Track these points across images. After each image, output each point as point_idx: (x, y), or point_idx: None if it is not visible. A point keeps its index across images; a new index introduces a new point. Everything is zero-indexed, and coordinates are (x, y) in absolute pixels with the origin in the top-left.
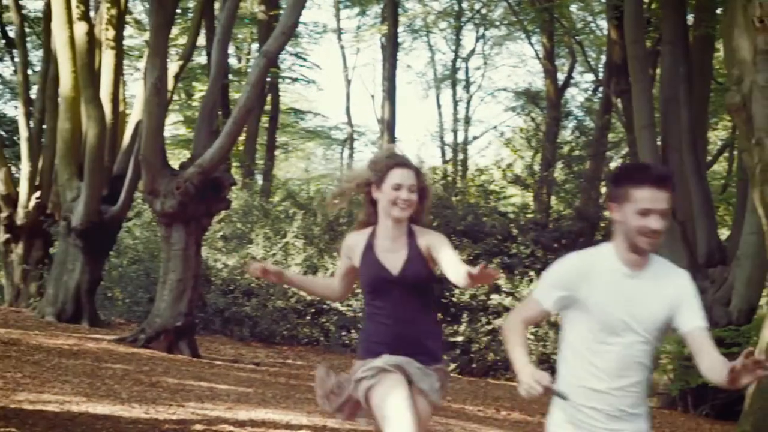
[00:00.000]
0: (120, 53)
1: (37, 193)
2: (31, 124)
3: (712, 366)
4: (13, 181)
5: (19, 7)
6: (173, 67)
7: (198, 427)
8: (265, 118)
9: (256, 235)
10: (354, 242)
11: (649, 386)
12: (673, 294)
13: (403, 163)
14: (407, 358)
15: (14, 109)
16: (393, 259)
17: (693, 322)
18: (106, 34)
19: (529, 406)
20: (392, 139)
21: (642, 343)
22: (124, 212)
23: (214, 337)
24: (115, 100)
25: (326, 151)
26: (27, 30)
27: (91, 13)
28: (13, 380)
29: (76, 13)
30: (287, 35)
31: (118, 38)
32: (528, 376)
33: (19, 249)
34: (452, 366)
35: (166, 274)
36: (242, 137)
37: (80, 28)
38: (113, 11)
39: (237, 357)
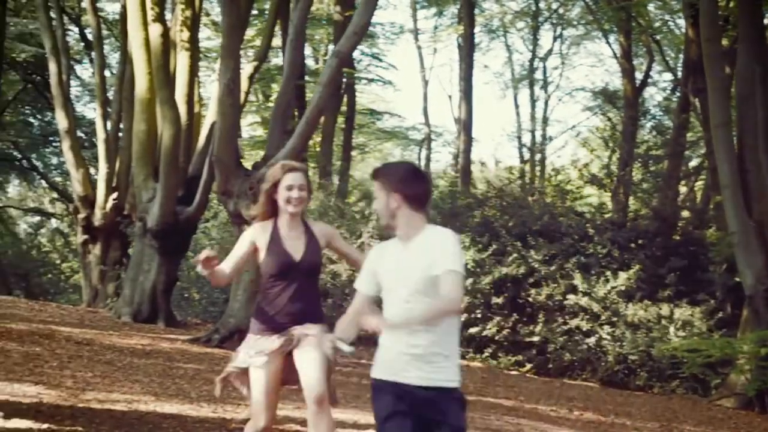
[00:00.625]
0: (195, 54)
1: (115, 195)
2: (109, 125)
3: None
4: (91, 183)
5: (96, 10)
6: (248, 68)
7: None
8: (341, 119)
9: None
10: (260, 232)
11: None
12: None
13: (292, 167)
14: (300, 326)
15: (93, 111)
16: (295, 247)
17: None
18: (180, 35)
19: (603, 406)
20: (469, 139)
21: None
22: (200, 213)
23: None
24: (190, 101)
25: (404, 151)
26: (105, 32)
27: (168, 15)
28: (83, 380)
29: (150, 14)
30: (359, 35)
31: (193, 40)
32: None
33: (96, 250)
34: (528, 366)
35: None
36: (319, 138)
37: (155, 30)
38: (188, 13)
39: None
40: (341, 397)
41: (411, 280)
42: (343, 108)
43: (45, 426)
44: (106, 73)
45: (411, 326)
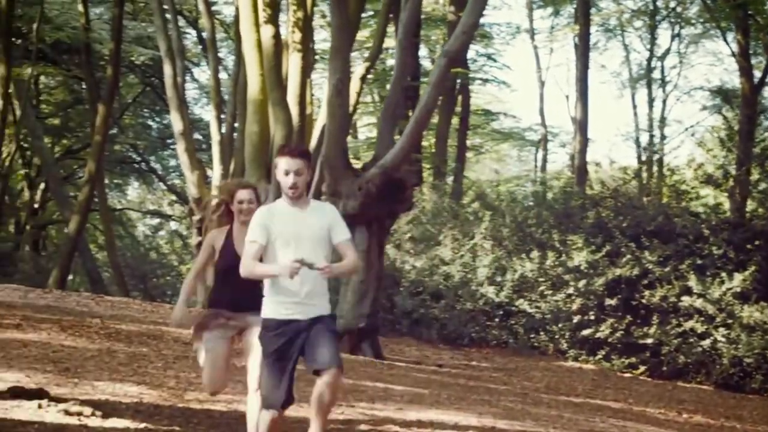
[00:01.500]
0: (307, 56)
1: None
2: (224, 127)
3: (341, 263)
4: (206, 185)
5: (210, 12)
6: (360, 69)
7: (364, 427)
8: (456, 120)
9: (444, 237)
10: (216, 237)
11: None
12: (329, 217)
13: (244, 185)
14: (244, 312)
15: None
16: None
17: (341, 235)
18: (293, 36)
19: (714, 409)
20: (584, 139)
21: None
22: None
23: (402, 339)
24: (302, 102)
25: (520, 152)
26: (222, 35)
27: (283, 17)
28: (186, 380)
29: (263, 16)
30: (468, 35)
31: (305, 41)
32: (283, 264)
33: None
34: (641, 368)
35: None
36: (433, 139)
37: (267, 31)
38: (300, 14)
39: (420, 359)
40: (446, 398)
41: (312, 237)
42: (458, 109)
43: (142, 425)
44: (224, 75)
45: (334, 274)
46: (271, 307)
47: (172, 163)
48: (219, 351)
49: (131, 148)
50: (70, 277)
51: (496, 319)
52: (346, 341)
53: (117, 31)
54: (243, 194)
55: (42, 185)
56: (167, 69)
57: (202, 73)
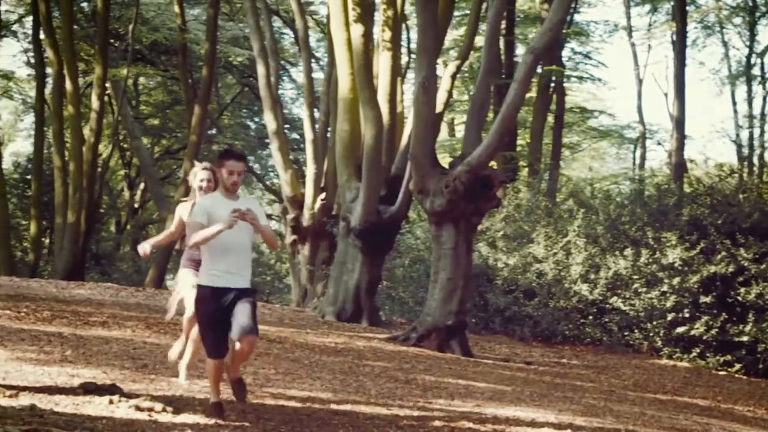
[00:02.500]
0: (397, 54)
1: (323, 195)
2: (317, 126)
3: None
4: (300, 183)
5: (303, 12)
6: (451, 67)
7: (437, 423)
8: (551, 118)
9: (537, 234)
10: (183, 209)
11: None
12: (254, 208)
13: (205, 167)
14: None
15: None
16: None
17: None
18: (383, 35)
19: None
20: (681, 137)
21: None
22: (403, 212)
23: (495, 337)
24: (392, 100)
25: (618, 150)
26: (320, 35)
27: (377, 16)
28: (264, 376)
29: (352, 15)
30: (554, 32)
31: (395, 39)
32: (224, 220)
33: (305, 250)
34: (737, 366)
35: (436, 273)
36: (528, 136)
37: (357, 30)
38: (390, 12)
39: (509, 356)
40: (528, 395)
41: (242, 224)
42: (553, 107)
43: (212, 421)
44: (321, 74)
45: (261, 228)
46: (208, 277)
47: (271, 162)
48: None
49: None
50: (169, 276)
51: (590, 317)
52: (434, 339)
53: (212, 31)
54: (200, 175)
55: (141, 185)
56: (260, 69)
57: (300, 73)
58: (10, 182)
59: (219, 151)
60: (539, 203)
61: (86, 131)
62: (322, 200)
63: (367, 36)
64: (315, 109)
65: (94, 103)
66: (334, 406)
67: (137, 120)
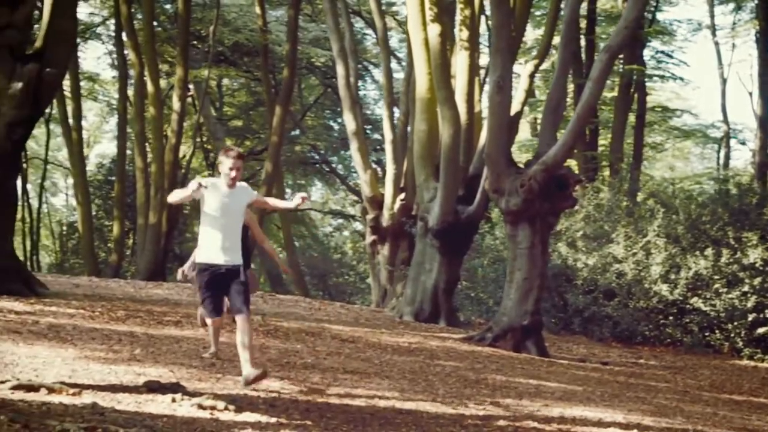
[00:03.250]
0: (474, 54)
1: (402, 195)
2: (397, 126)
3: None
4: (379, 184)
5: (381, 12)
6: (529, 66)
7: (501, 422)
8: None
9: (617, 234)
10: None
11: None
12: (247, 195)
13: (234, 155)
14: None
15: None
16: None
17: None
18: (460, 34)
19: None
20: (765, 136)
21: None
22: (480, 212)
23: (574, 337)
24: (469, 100)
25: (702, 149)
26: (402, 35)
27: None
28: (332, 376)
29: (429, 14)
30: (630, 29)
31: (472, 39)
32: (189, 186)
33: (385, 250)
34: None
35: (512, 272)
36: (609, 136)
37: (434, 30)
38: (467, 12)
39: (586, 356)
40: (599, 395)
41: (234, 208)
42: (635, 106)
43: (274, 420)
44: (401, 74)
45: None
46: (203, 254)
47: (354, 163)
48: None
49: (312, 148)
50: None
51: (670, 317)
52: (510, 339)
53: (293, 32)
54: (230, 162)
55: None
56: (340, 69)
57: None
58: (94, 184)
59: (303, 151)
60: (620, 203)
61: (168, 132)
62: (401, 200)
63: (445, 35)
64: (395, 110)
65: (175, 104)
66: (398, 405)
67: (220, 121)
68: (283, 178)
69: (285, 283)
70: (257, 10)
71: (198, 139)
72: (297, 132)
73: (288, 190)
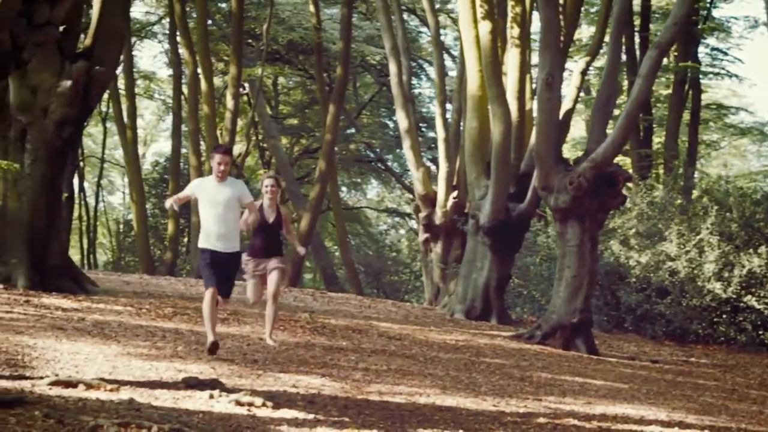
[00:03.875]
0: (525, 51)
1: (455, 193)
2: (450, 124)
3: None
4: (432, 182)
5: (434, 9)
6: (581, 63)
7: (541, 420)
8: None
9: (670, 232)
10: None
11: None
12: (238, 189)
13: (269, 176)
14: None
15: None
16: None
17: (246, 199)
18: (511, 32)
19: None
20: None
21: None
22: (532, 210)
23: (626, 335)
24: (521, 97)
25: (759, 147)
26: (450, 32)
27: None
28: (375, 372)
29: (480, 12)
30: (679, 26)
31: (523, 36)
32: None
33: (437, 248)
34: None
35: (561, 270)
36: (664, 134)
37: (484, 27)
38: (518, 9)
39: (636, 354)
40: (645, 393)
41: (224, 201)
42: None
43: (311, 416)
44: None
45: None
46: (202, 240)
47: None
48: (254, 275)
49: (367, 147)
50: (310, 275)
51: (723, 316)
52: (559, 337)
53: (346, 30)
54: (266, 182)
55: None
56: (392, 67)
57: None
58: (149, 182)
59: (358, 150)
60: (673, 200)
61: (222, 131)
62: (454, 198)
63: (495, 33)
64: (448, 107)
65: (229, 102)
66: (438, 402)
67: (276, 119)
68: (338, 176)
69: (339, 281)
70: (311, 8)
71: (254, 138)
72: (352, 130)
73: (344, 188)
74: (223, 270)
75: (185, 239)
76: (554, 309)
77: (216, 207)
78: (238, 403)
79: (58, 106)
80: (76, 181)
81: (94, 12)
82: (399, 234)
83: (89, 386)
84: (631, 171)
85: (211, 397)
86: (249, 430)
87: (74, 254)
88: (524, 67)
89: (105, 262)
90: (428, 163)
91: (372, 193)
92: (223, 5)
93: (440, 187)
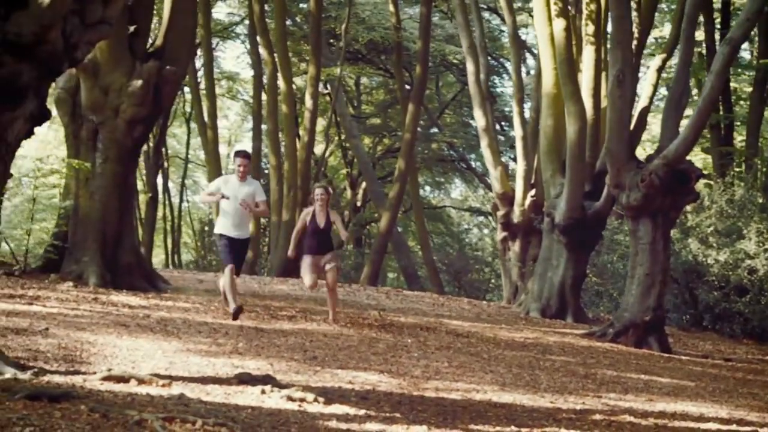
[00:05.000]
0: (600, 48)
1: (533, 191)
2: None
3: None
4: (510, 180)
5: (511, 7)
6: (657, 60)
7: (597, 416)
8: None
9: (749, 231)
10: (307, 214)
11: None
12: (255, 188)
13: (318, 186)
14: (323, 253)
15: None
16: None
17: (259, 197)
18: (586, 29)
19: None
20: None
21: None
22: (608, 208)
23: (704, 334)
24: (596, 95)
25: None
26: (531, 31)
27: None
28: (435, 369)
29: (554, 9)
30: (752, 21)
31: (598, 33)
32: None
33: (516, 247)
34: None
35: (633, 268)
36: (745, 131)
37: (559, 25)
38: (593, 6)
39: (710, 353)
40: (710, 391)
41: (243, 197)
42: None
43: (362, 412)
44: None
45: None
46: (221, 226)
47: None
48: (311, 268)
49: (449, 146)
50: (394, 274)
51: None
52: (631, 335)
53: (425, 29)
54: (317, 191)
55: (363, 184)
56: (469, 66)
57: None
58: None
59: (440, 149)
60: (753, 198)
61: (301, 131)
62: (532, 197)
63: (569, 30)
64: (526, 106)
65: (308, 102)
66: (495, 399)
67: (357, 119)
68: (418, 175)
69: (421, 280)
70: (390, 7)
71: (336, 138)
72: (435, 130)
73: (427, 188)
74: (236, 250)
75: (266, 239)
76: (627, 307)
77: (235, 201)
78: (290, 399)
79: (129, 106)
80: (160, 181)
81: (165, 12)
82: (482, 233)
83: (141, 381)
84: (711, 169)
85: (263, 392)
86: (296, 425)
87: (159, 254)
88: (599, 64)
89: (188, 261)
90: (510, 162)
91: (455, 193)
92: (304, 5)
93: (518, 186)
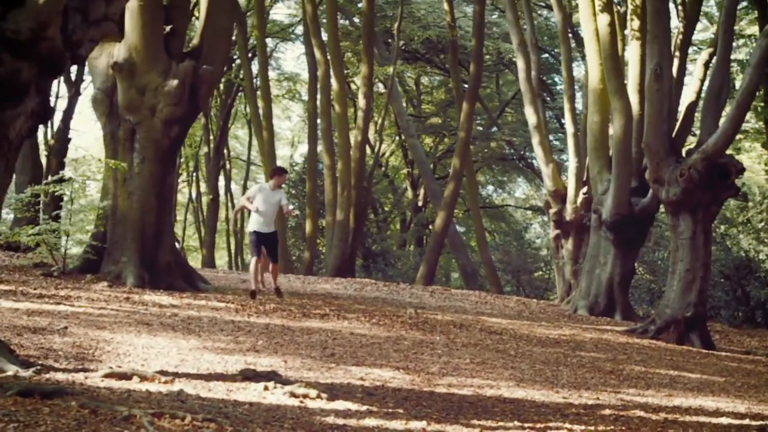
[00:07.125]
0: (645, 43)
1: (584, 189)
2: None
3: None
4: (562, 177)
5: (561, 3)
6: (704, 54)
7: (606, 411)
8: None
9: None
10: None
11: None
12: (282, 196)
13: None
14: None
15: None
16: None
17: (284, 201)
18: (631, 24)
19: None
20: None
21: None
22: (655, 204)
23: (755, 330)
24: (642, 90)
25: None
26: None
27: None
28: (453, 366)
29: (598, 5)
30: None
31: (644, 28)
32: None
33: (569, 244)
34: None
35: (674, 263)
36: None
37: (603, 20)
38: (637, 1)
39: (755, 349)
40: (739, 387)
41: (274, 203)
42: None
43: (364, 408)
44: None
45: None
46: (253, 225)
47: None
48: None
49: (508, 144)
50: (457, 274)
51: None
52: (673, 331)
53: (479, 27)
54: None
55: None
56: (520, 63)
57: (578, 67)
58: (288, 183)
59: (500, 148)
60: None
61: (354, 130)
62: (584, 194)
63: (614, 25)
64: (575, 102)
65: (360, 101)
66: (506, 394)
67: (417, 118)
68: (479, 174)
69: (480, 279)
70: (445, 6)
71: (396, 137)
72: (494, 129)
73: (489, 187)
74: (267, 244)
75: (323, 239)
76: (668, 303)
77: (267, 205)
78: (292, 395)
79: (165, 106)
80: (222, 182)
81: (201, 12)
82: (545, 232)
83: (143, 378)
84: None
85: (266, 388)
86: (292, 420)
87: (223, 256)
88: (644, 59)
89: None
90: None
91: (519, 192)
92: (360, 4)
93: (570, 183)
